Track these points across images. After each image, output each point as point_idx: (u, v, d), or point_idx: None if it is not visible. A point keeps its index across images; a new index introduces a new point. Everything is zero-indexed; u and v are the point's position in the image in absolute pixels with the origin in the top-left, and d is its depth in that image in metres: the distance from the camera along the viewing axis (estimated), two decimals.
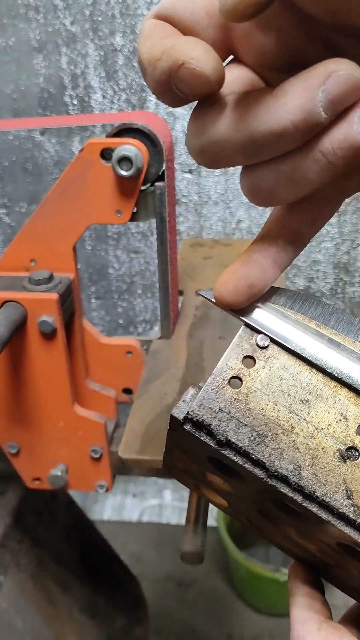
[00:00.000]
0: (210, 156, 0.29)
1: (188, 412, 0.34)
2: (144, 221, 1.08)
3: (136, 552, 1.63)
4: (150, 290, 1.50)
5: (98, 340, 0.82)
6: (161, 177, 0.72)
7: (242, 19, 0.24)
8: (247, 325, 0.35)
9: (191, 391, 0.35)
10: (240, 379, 0.34)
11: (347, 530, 0.32)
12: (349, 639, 0.33)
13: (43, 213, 0.72)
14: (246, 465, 0.33)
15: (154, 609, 1.24)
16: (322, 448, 0.33)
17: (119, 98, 1.30)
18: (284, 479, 0.33)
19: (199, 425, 0.34)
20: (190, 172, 1.34)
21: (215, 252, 1.07)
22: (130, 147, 0.66)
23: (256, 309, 0.35)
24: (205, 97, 0.28)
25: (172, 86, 0.26)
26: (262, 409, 0.34)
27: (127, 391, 0.85)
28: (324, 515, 0.32)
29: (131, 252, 1.45)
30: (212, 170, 1.33)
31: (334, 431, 0.33)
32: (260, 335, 0.34)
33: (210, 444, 0.34)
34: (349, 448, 0.33)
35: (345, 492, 0.32)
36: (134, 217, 0.72)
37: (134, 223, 1.40)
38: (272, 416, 0.34)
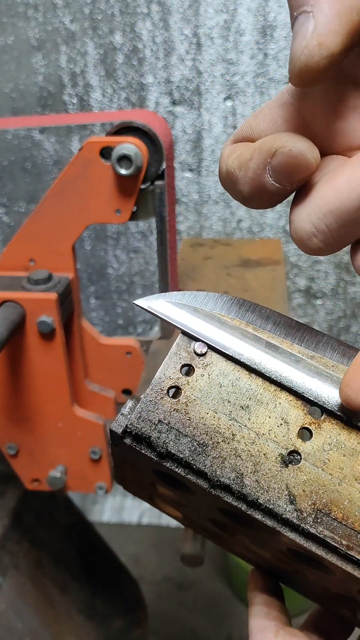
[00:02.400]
0: (333, 237, 0.28)
1: (127, 426, 0.33)
2: (143, 220, 1.07)
3: (135, 554, 1.62)
4: (150, 290, 1.49)
5: (97, 340, 0.82)
6: (161, 176, 0.71)
7: (315, 76, 0.25)
8: (184, 333, 0.34)
9: (130, 403, 0.34)
10: (180, 388, 0.34)
11: (293, 535, 0.32)
12: None
13: (42, 212, 0.71)
14: (188, 477, 0.33)
15: (153, 610, 1.23)
16: (264, 454, 0.33)
17: (118, 97, 1.29)
18: (227, 488, 0.32)
19: (139, 438, 0.33)
20: (190, 171, 1.34)
21: (216, 252, 1.06)
22: (130, 146, 0.66)
23: (193, 316, 0.35)
24: (302, 183, 0.28)
25: (267, 181, 0.27)
26: (202, 417, 0.33)
27: (127, 392, 0.84)
28: (269, 522, 0.32)
29: (131, 251, 1.44)
30: (212, 169, 1.32)
31: (275, 436, 0.33)
32: (198, 343, 0.34)
33: (152, 456, 0.33)
34: (291, 452, 0.32)
35: (288, 497, 0.32)
36: (133, 217, 0.72)
37: (134, 222, 1.39)
38: (213, 424, 0.33)
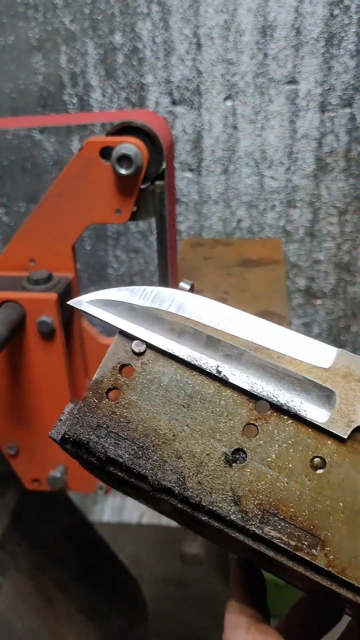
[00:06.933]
0: None
1: (65, 433, 0.32)
2: (143, 220, 1.07)
3: (136, 553, 1.62)
4: None
5: (97, 340, 0.82)
6: (161, 176, 0.71)
7: None
8: (121, 332, 0.33)
9: (68, 408, 0.33)
10: (119, 390, 0.33)
11: (241, 537, 0.30)
12: None
13: (42, 212, 0.71)
14: (132, 480, 0.32)
15: (154, 610, 1.23)
16: (207, 454, 0.31)
17: (118, 97, 1.29)
18: (169, 491, 0.31)
19: (78, 444, 0.32)
20: (190, 170, 1.34)
21: (216, 251, 1.06)
22: (130, 146, 0.66)
23: (129, 314, 0.33)
24: None
25: None
26: (142, 419, 0.32)
27: None
28: (215, 524, 0.31)
29: (131, 251, 1.44)
30: (212, 169, 1.32)
31: (219, 434, 0.31)
32: (136, 341, 0.33)
33: (94, 461, 0.32)
34: (235, 451, 0.31)
35: (232, 498, 0.30)
36: (133, 216, 0.72)
37: (134, 222, 1.39)
38: (153, 426, 0.32)
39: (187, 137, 1.30)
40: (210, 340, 0.32)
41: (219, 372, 0.32)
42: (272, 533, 0.30)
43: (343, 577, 0.29)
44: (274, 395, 0.31)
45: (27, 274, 0.72)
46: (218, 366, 0.32)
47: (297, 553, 0.29)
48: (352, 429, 0.30)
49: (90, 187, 0.69)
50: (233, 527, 0.30)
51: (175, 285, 0.82)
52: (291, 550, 0.29)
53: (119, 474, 0.32)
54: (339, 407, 0.30)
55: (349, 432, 0.30)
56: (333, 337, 1.48)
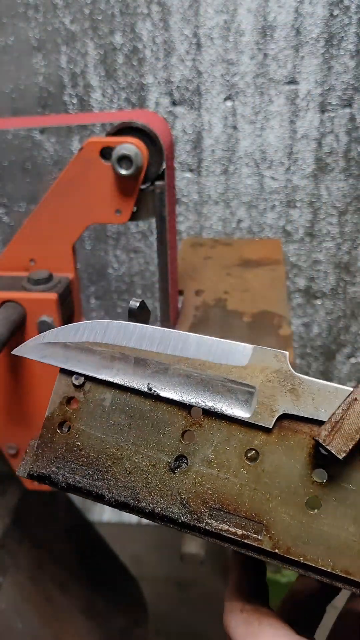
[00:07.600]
0: None
1: (29, 470, 0.36)
2: (143, 220, 1.08)
3: (136, 553, 1.62)
4: (150, 290, 1.49)
5: None
6: (161, 176, 0.71)
7: None
8: (61, 369, 0.38)
9: (30, 447, 0.37)
10: (69, 422, 0.37)
11: (195, 534, 0.34)
12: (268, 620, 0.34)
13: (42, 213, 0.71)
14: (94, 500, 0.35)
15: (154, 609, 1.23)
16: (153, 465, 0.35)
17: (118, 97, 1.30)
18: (126, 505, 0.35)
19: (41, 478, 0.36)
20: (190, 171, 1.34)
21: (216, 251, 1.06)
22: (130, 146, 0.66)
23: (64, 352, 0.38)
24: None
25: None
26: (92, 445, 0.36)
27: None
28: (172, 526, 0.34)
29: (131, 251, 1.44)
30: (212, 169, 1.33)
31: (161, 446, 0.35)
32: (74, 375, 0.37)
33: (58, 490, 0.36)
34: (177, 458, 0.34)
35: (180, 502, 0.34)
36: (133, 217, 0.72)
37: (134, 223, 1.39)
38: (102, 449, 0.36)
39: (187, 138, 1.31)
40: (138, 361, 0.36)
41: (150, 389, 0.36)
42: (220, 526, 0.33)
43: (289, 556, 0.32)
44: (202, 401, 0.35)
45: (27, 274, 0.72)
46: (149, 384, 0.36)
47: (245, 541, 0.33)
48: (276, 418, 0.33)
49: (91, 188, 0.69)
50: (187, 527, 0.34)
51: (175, 286, 0.82)
52: (239, 539, 0.33)
53: (82, 496, 0.36)
54: (261, 400, 0.34)
55: (273, 422, 0.33)
56: (333, 337, 1.48)
